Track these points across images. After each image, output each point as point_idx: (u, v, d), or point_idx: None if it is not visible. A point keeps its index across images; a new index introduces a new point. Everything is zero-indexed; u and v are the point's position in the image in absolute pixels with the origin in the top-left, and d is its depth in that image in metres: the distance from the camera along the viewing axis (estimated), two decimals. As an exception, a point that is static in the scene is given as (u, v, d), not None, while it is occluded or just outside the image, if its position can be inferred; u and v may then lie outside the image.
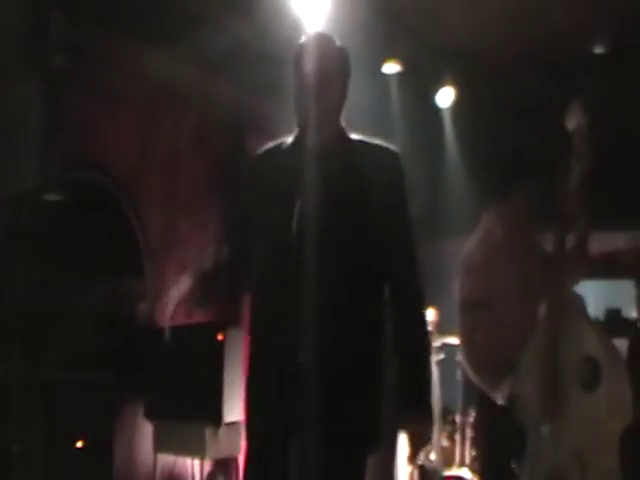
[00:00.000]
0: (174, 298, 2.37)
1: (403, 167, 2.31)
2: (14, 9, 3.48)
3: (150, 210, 5.14)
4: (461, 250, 3.40)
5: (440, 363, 5.11)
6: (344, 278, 2.16)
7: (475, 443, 5.01)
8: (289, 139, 2.36)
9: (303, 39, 2.34)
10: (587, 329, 2.77)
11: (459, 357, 3.50)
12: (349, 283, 2.17)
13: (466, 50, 5.15)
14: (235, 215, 2.69)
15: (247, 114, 5.66)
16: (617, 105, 5.00)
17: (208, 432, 4.49)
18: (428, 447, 4.83)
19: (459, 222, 4.50)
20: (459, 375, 4.99)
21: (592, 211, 2.96)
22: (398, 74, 5.39)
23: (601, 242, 4.07)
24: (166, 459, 4.89)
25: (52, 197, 3.82)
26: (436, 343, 5.04)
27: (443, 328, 4.82)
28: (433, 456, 5.22)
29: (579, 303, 2.85)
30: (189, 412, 4.48)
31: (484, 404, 3.30)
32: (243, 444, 4.34)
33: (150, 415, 4.74)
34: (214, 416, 4.44)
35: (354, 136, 2.35)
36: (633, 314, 5.73)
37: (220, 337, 4.46)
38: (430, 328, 4.56)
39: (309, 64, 2.26)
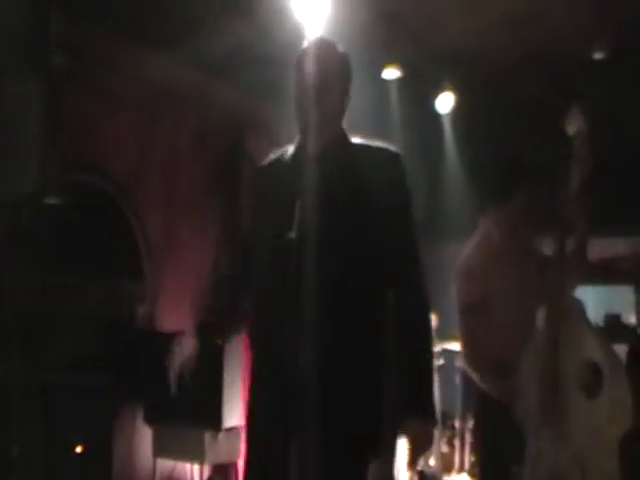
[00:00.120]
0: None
1: (405, 167, 2.31)
2: (14, 9, 3.48)
3: (149, 211, 5.12)
4: (459, 254, 3.40)
5: (439, 369, 5.11)
6: (345, 280, 2.16)
7: (474, 448, 5.00)
8: (290, 148, 2.36)
9: (305, 44, 2.35)
10: (587, 334, 2.77)
11: (458, 363, 3.50)
12: (350, 285, 2.17)
13: (466, 55, 5.15)
14: (236, 246, 2.70)
15: (246, 116, 5.66)
16: (617, 110, 5.01)
17: (207, 437, 4.48)
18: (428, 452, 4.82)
19: (458, 226, 4.49)
20: (458, 380, 4.99)
21: (592, 216, 2.96)
22: (398, 79, 5.40)
23: (601, 248, 4.06)
24: (165, 464, 4.86)
25: (51, 200, 3.81)
26: (436, 349, 5.04)
27: (442, 333, 4.81)
28: (432, 462, 5.21)
29: (579, 308, 2.86)
30: (189, 417, 4.46)
31: (483, 408, 3.30)
32: (242, 449, 4.34)
33: (149, 419, 4.72)
34: (214, 421, 4.43)
35: (355, 139, 2.35)
36: (632, 320, 5.75)
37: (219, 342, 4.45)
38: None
39: (310, 68, 2.26)
